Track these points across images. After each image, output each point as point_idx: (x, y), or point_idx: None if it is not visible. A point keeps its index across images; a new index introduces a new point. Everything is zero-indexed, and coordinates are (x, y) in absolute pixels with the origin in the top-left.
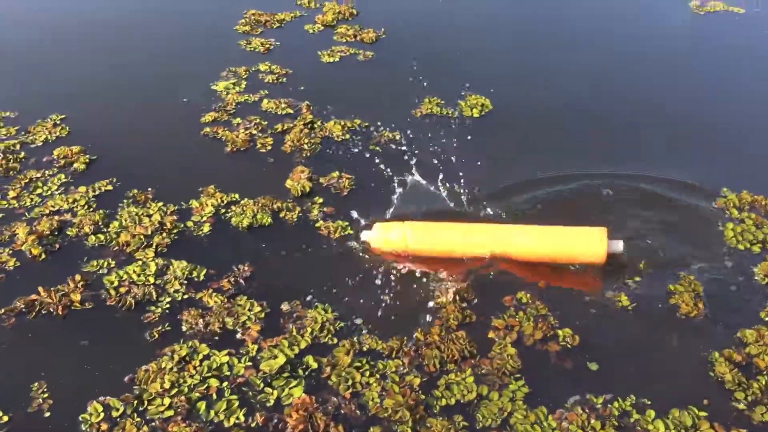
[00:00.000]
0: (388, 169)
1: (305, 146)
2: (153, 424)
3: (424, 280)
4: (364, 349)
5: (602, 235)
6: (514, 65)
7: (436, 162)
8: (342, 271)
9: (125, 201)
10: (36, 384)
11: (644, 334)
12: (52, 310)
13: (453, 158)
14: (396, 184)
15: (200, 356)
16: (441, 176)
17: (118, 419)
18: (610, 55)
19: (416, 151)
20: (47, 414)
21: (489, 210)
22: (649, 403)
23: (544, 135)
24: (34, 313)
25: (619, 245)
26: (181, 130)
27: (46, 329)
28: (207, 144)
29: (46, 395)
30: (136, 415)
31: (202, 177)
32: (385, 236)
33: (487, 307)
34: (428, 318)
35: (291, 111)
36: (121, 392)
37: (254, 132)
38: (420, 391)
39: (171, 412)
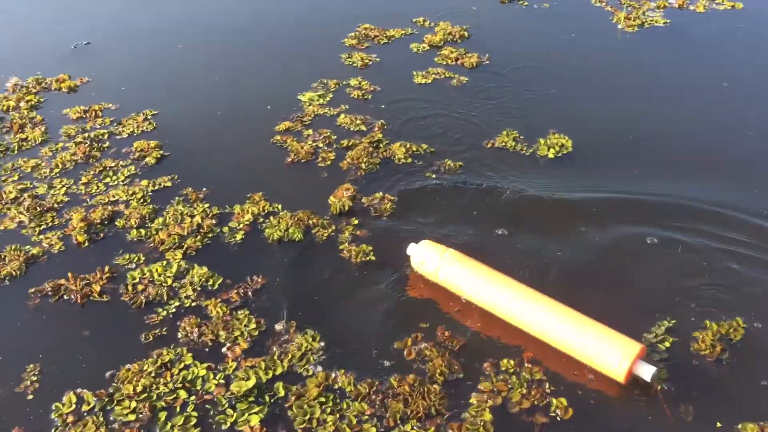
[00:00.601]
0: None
1: (363, 164)
2: (113, 426)
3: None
4: (336, 386)
5: (627, 358)
6: (608, 111)
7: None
8: (349, 298)
9: (176, 198)
10: (31, 366)
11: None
12: (72, 297)
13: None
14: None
15: (181, 365)
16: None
17: (85, 414)
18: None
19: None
20: (30, 396)
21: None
22: None
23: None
24: (56, 297)
25: (648, 372)
26: (254, 135)
27: (60, 314)
28: (272, 152)
29: (35, 378)
30: (102, 413)
31: (255, 183)
32: (422, 257)
33: (481, 362)
34: (414, 366)
35: (364, 128)
36: (99, 387)
37: (320, 145)
38: None
39: (132, 417)
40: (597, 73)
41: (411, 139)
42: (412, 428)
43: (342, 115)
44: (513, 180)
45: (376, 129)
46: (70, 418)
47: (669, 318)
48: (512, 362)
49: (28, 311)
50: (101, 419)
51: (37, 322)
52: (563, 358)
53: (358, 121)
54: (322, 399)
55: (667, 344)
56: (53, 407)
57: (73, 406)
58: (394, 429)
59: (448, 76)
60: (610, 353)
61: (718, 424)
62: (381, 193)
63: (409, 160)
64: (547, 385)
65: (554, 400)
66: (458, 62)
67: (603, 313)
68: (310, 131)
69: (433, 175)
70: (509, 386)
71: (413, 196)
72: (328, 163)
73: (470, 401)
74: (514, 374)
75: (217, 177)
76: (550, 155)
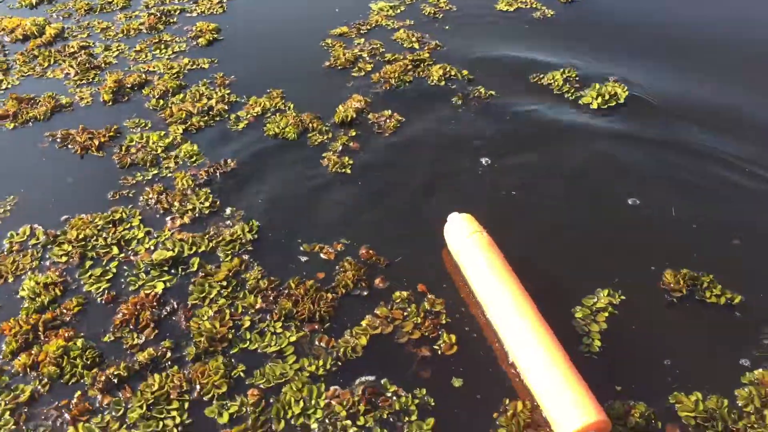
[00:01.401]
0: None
1: (392, 80)
2: (45, 263)
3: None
4: (244, 276)
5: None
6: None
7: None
8: (303, 201)
9: (204, 80)
10: (11, 197)
11: None
12: (74, 147)
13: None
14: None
15: (127, 225)
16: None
17: (29, 247)
18: None
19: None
20: None
21: None
22: None
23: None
24: (62, 145)
25: None
26: (308, 35)
27: (58, 160)
28: (315, 53)
29: (9, 207)
30: (42, 250)
31: (281, 80)
32: (452, 231)
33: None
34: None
35: (416, 46)
36: (51, 227)
37: (363, 55)
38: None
39: (63, 259)
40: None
41: (456, 63)
42: (282, 326)
43: (401, 30)
44: (531, 117)
45: (427, 48)
46: (16, 247)
47: None
48: (417, 291)
49: (35, 151)
50: (38, 254)
51: (35, 162)
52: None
53: (413, 38)
54: (224, 283)
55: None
56: (7, 234)
57: (24, 237)
58: (272, 322)
59: (534, 6)
60: (562, 412)
61: None
62: (389, 111)
63: (443, 83)
64: (443, 317)
65: (444, 335)
66: None
67: None
68: (362, 40)
69: (459, 101)
70: (405, 315)
71: (424, 119)
72: (362, 73)
73: (361, 323)
74: (415, 303)
75: (252, 68)
76: (594, 105)
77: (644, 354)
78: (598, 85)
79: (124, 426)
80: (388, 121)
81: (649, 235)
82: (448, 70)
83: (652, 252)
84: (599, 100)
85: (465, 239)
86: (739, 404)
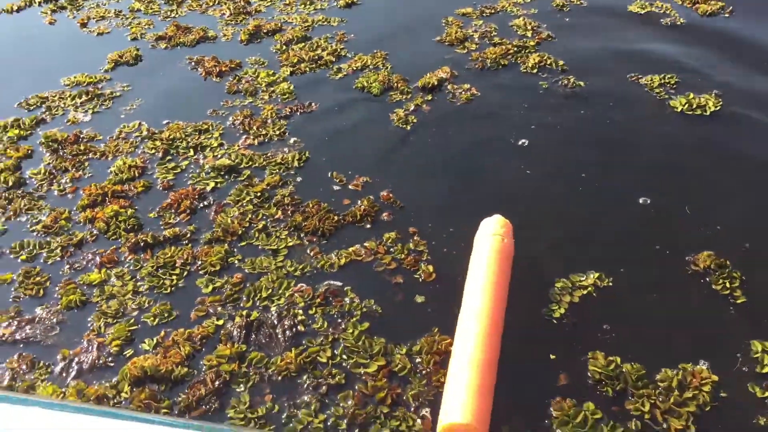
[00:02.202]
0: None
1: (488, 61)
2: (137, 151)
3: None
4: (276, 191)
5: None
6: None
7: None
8: (361, 143)
9: (327, 35)
10: (139, 99)
11: None
12: (202, 71)
13: None
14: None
15: (208, 135)
16: None
17: (132, 137)
18: None
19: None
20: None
21: None
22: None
23: None
24: (194, 68)
25: None
26: (436, 11)
27: (186, 78)
28: (432, 27)
29: (134, 106)
30: (140, 141)
31: (391, 44)
32: (482, 227)
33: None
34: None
35: (528, 35)
36: (155, 126)
37: (474, 36)
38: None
39: (152, 152)
40: None
41: (557, 54)
42: (288, 234)
43: (521, 18)
44: (609, 111)
45: (537, 38)
46: (123, 135)
47: None
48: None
49: (173, 69)
50: (136, 144)
51: (168, 77)
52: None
53: (529, 27)
54: (258, 194)
55: None
56: (121, 125)
57: (132, 129)
58: (280, 229)
59: (668, 12)
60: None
61: None
62: (468, 85)
63: (535, 70)
64: (425, 255)
65: (423, 266)
66: (693, 5)
67: None
68: (480, 22)
69: (545, 84)
70: (388, 249)
71: (498, 97)
72: (464, 51)
73: (348, 248)
74: (401, 242)
75: (372, 30)
76: (678, 109)
77: (594, 323)
78: (692, 95)
79: (134, 278)
80: (463, 92)
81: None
82: (545, 59)
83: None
84: (686, 106)
85: (483, 237)
86: (656, 377)
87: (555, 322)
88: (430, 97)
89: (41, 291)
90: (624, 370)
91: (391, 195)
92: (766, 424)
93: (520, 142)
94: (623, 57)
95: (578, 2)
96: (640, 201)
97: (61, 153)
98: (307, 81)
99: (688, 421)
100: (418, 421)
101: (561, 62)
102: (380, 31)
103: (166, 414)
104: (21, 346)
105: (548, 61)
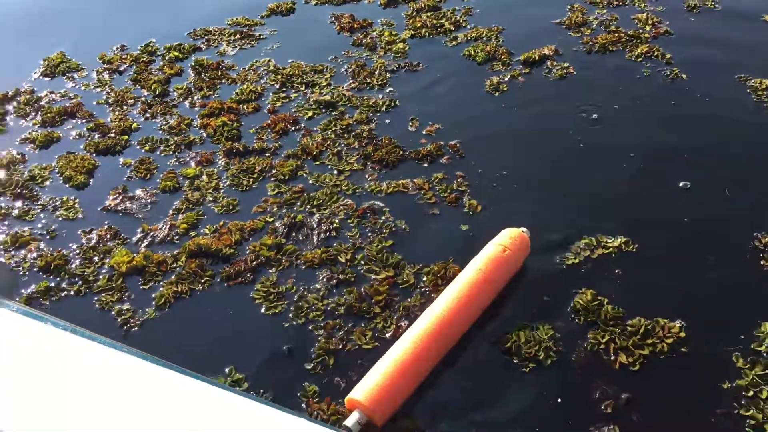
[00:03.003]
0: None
1: (596, 46)
2: (261, 81)
3: None
4: (361, 126)
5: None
6: None
7: None
8: (444, 100)
9: (456, 7)
10: (278, 43)
11: None
12: (337, 25)
13: None
14: None
15: (320, 76)
16: None
17: (259, 70)
18: None
19: None
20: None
21: None
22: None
23: None
24: (331, 21)
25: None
26: None
27: (321, 33)
28: (556, 11)
29: (273, 48)
30: (266, 74)
31: (511, 22)
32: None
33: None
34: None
35: (647, 28)
36: (280, 63)
37: (593, 23)
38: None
39: (271, 83)
40: None
41: (668, 49)
42: (356, 160)
43: (646, 13)
44: (704, 104)
45: (654, 32)
46: (253, 68)
47: None
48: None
49: (315, 23)
50: (261, 76)
51: (302, 27)
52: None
53: (650, 21)
54: (344, 127)
55: None
56: (255, 60)
57: (261, 65)
58: (351, 155)
59: None
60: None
61: None
62: (567, 63)
63: (640, 59)
64: (465, 196)
65: (467, 200)
66: None
67: None
68: (605, 11)
69: (647, 72)
70: (435, 193)
71: (593, 78)
72: (578, 35)
73: (400, 179)
74: (446, 182)
75: (499, 8)
76: None
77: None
78: None
79: (219, 177)
80: (560, 70)
81: None
82: (654, 50)
83: None
84: None
85: (490, 243)
86: (628, 321)
87: (564, 267)
88: (528, 71)
89: (148, 175)
90: (605, 308)
91: (457, 145)
92: (729, 389)
93: (593, 116)
94: (738, 58)
95: (711, 5)
96: (681, 185)
97: (202, 75)
98: (422, 44)
99: (636, 361)
100: (393, 326)
101: (668, 55)
102: (504, 9)
103: (208, 283)
104: (119, 215)
105: (656, 53)
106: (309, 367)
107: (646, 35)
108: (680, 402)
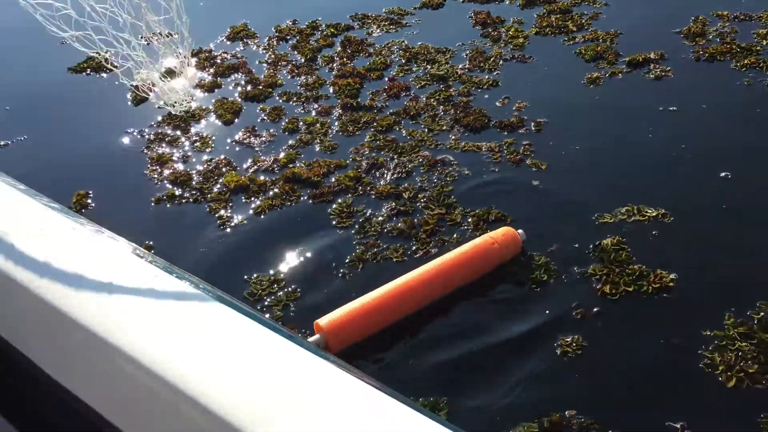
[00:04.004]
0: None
1: (708, 52)
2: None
3: None
4: (461, 98)
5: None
6: None
7: None
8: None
9: (588, 13)
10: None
11: None
12: (471, 16)
13: None
14: None
15: (445, 56)
16: None
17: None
18: None
19: None
20: None
21: None
22: None
23: None
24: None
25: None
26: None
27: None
28: (685, 22)
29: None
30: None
31: (632, 29)
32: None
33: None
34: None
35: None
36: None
37: (714, 32)
38: None
39: (400, 59)
40: None
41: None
42: (446, 124)
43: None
44: None
45: None
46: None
47: None
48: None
49: (455, 18)
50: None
51: (444, 25)
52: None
53: None
54: (447, 97)
55: None
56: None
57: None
58: (445, 121)
59: None
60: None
61: None
62: (669, 68)
63: (744, 69)
64: (528, 159)
65: (531, 161)
66: None
67: None
68: (727, 24)
69: (748, 81)
70: (503, 155)
71: (690, 79)
72: (692, 44)
73: (478, 142)
74: (514, 146)
75: (625, 15)
76: None
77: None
78: None
79: (331, 126)
80: (659, 72)
81: None
82: (761, 62)
83: None
84: None
85: (486, 234)
86: (630, 267)
87: (597, 223)
88: (628, 70)
89: (276, 119)
90: (618, 253)
91: (540, 122)
92: (704, 335)
93: (671, 110)
94: None
95: None
96: (721, 174)
97: (346, 48)
98: (541, 41)
99: (618, 293)
100: (423, 251)
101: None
102: (629, 16)
103: (296, 201)
104: (243, 147)
105: (762, 65)
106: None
107: (758, 48)
108: (647, 329)
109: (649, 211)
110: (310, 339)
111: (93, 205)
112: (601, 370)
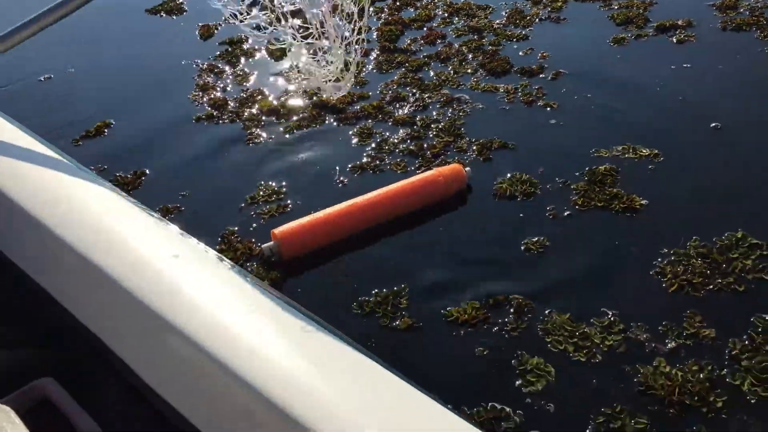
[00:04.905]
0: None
1: (733, 24)
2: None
3: None
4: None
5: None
6: None
7: None
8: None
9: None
10: None
11: None
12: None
13: None
14: None
15: (485, 12)
16: None
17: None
18: None
19: None
20: None
21: None
22: None
23: None
24: None
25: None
26: None
27: None
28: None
29: None
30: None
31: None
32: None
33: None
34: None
35: None
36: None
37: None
38: None
39: (443, 13)
40: None
41: None
42: (472, 69)
43: None
44: None
45: None
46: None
47: None
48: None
49: None
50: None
51: None
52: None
53: None
54: (476, 46)
55: None
56: None
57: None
58: (471, 66)
59: None
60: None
61: None
62: (694, 33)
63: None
64: (539, 101)
65: (542, 103)
66: None
67: None
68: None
69: None
70: (517, 96)
71: (711, 42)
72: (722, 15)
73: (496, 84)
74: (527, 89)
75: None
76: None
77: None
78: None
79: (366, 65)
80: (682, 36)
81: None
82: None
83: None
84: None
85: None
86: (610, 189)
87: (593, 156)
88: (654, 34)
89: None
90: (606, 176)
91: (559, 72)
92: (662, 252)
93: (686, 68)
94: None
95: None
96: (712, 124)
97: (396, 1)
98: (578, 6)
99: (590, 208)
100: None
101: None
102: None
103: (322, 123)
104: (278, 79)
105: None
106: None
107: None
108: (609, 238)
109: (644, 151)
110: (265, 245)
111: (137, 111)
112: (556, 266)
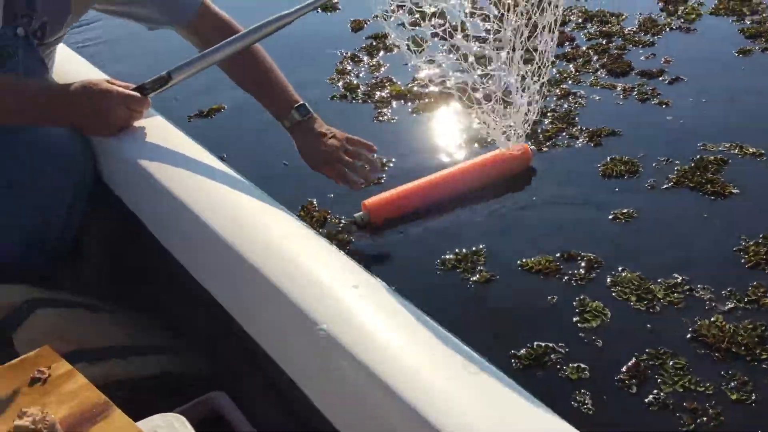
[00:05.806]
0: None
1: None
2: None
3: None
4: None
5: None
6: None
7: None
8: None
9: None
10: None
11: None
12: None
13: None
14: None
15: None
16: None
17: None
18: None
19: None
20: None
21: None
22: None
23: None
24: None
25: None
26: None
27: None
28: None
29: None
30: None
31: None
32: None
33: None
34: None
35: None
36: None
37: None
38: None
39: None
40: None
41: None
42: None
43: None
44: None
45: None
46: None
47: None
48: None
49: None
50: None
51: None
52: None
53: None
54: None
55: None
56: None
57: None
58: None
59: None
60: None
61: None
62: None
63: None
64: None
65: (657, 101)
66: None
67: None
68: None
69: None
70: (630, 93)
71: None
72: None
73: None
74: (642, 87)
75: None
76: None
77: None
78: None
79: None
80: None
81: None
82: None
83: None
84: None
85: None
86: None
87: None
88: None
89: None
90: (710, 168)
91: (679, 76)
92: None
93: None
94: None
95: None
96: None
97: None
98: (711, 19)
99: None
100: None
101: None
102: None
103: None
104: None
105: None
106: None
107: None
108: (703, 219)
109: (750, 149)
110: (356, 214)
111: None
112: (636, 235)
